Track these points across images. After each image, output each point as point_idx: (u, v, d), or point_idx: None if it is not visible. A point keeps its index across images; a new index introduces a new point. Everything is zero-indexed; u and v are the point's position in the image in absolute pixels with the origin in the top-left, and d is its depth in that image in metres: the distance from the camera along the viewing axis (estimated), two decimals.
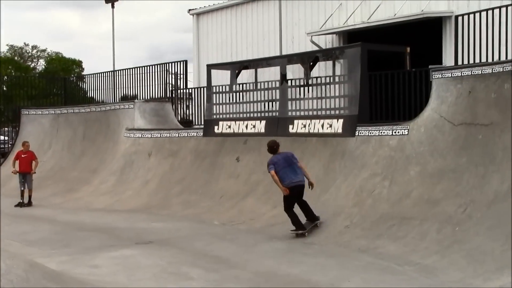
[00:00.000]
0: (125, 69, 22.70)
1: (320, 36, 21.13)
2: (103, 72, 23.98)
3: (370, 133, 11.88)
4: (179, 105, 21.04)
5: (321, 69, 17.74)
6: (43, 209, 15.32)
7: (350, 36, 20.73)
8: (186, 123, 19.68)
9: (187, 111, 21.25)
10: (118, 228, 12.08)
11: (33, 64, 71.80)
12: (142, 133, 17.57)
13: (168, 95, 20.82)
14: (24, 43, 72.07)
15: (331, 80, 14.44)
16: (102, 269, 8.32)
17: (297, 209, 10.62)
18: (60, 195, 16.99)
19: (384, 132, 11.57)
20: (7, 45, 71.99)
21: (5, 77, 38.65)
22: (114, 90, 23.09)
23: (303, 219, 10.66)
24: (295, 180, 10.53)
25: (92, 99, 24.73)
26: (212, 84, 16.79)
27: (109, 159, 17.80)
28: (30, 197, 16.04)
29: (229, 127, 15.67)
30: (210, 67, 17.57)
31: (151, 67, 21.18)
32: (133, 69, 22.11)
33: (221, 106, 16.42)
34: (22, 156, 16.36)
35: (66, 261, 8.81)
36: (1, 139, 25.32)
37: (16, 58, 70.19)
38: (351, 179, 11.51)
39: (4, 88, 33.71)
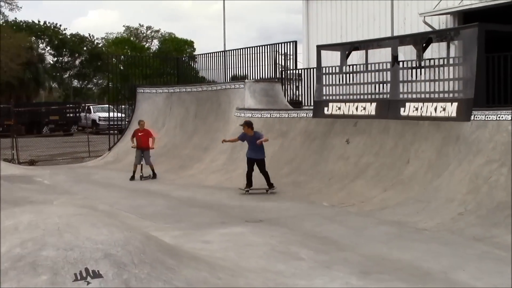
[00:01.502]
0: (235, 50, 23.00)
1: (434, 16, 20.39)
2: (214, 52, 24.41)
3: (487, 117, 11.36)
4: (288, 86, 21.09)
5: (434, 50, 17.14)
6: (157, 184, 15.94)
7: (466, 17, 19.88)
8: (296, 104, 19.72)
9: (296, 92, 21.27)
10: (228, 206, 12.35)
11: (147, 44, 74.38)
12: (252, 113, 17.78)
13: (277, 76, 20.91)
14: (139, 24, 74.76)
15: (445, 62, 13.89)
16: (213, 245, 8.50)
17: None
18: (173, 171, 17.59)
19: (502, 117, 11.03)
20: (123, 26, 74.90)
21: (122, 56, 40.31)
22: (224, 70, 23.47)
23: None
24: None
25: (203, 79, 25.28)
26: (322, 65, 16.69)
27: (220, 138, 18.16)
28: (153, 171, 16.90)
29: (339, 108, 15.54)
30: (320, 48, 17.44)
31: (261, 47, 21.31)
32: (243, 49, 22.35)
33: (331, 87, 16.30)
34: (139, 134, 17.18)
35: (179, 235, 9.07)
36: (118, 116, 26.46)
37: (131, 38, 72.93)
38: (465, 165, 11.10)
39: (121, 67, 35.14)
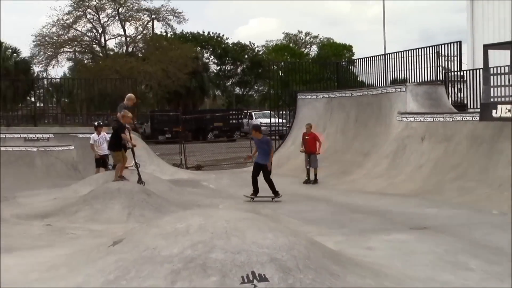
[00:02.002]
0: (395, 52, 22.49)
1: None
2: (373, 56, 24.05)
3: None
4: (451, 88, 20.21)
5: None
6: (319, 189, 16.01)
7: None
8: (459, 107, 18.85)
9: (460, 94, 20.33)
10: (391, 212, 12.07)
11: (306, 50, 74.99)
12: (414, 117, 17.27)
13: (440, 78, 20.12)
14: (298, 31, 75.63)
15: None
16: (376, 252, 8.32)
17: None
18: (334, 176, 17.56)
19: None
20: (283, 33, 76.22)
21: (282, 63, 41.00)
22: (385, 73, 23.03)
23: None
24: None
25: (363, 83, 25.00)
26: (490, 66, 15.79)
27: (381, 143, 17.86)
28: (315, 175, 17.02)
29: (509, 111, 14.60)
30: (487, 47, 16.51)
31: (423, 49, 20.63)
32: (404, 52, 21.78)
33: (499, 88, 15.35)
34: (306, 137, 17.38)
35: (342, 241, 9.00)
36: (279, 121, 26.93)
37: (291, 45, 73.96)
38: None
39: (281, 74, 35.77)
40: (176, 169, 21.27)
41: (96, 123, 17.73)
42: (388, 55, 23.17)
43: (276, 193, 14.07)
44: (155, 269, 5.34)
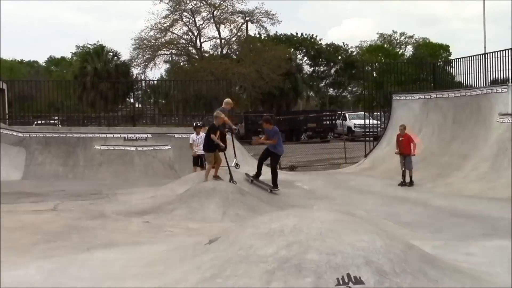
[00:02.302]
0: (496, 52, 21.59)
1: None
2: (472, 56, 23.22)
3: None
4: None
5: None
6: (414, 192, 15.61)
7: None
8: None
9: None
10: (491, 217, 11.59)
11: (401, 51, 73.57)
12: None
13: None
14: (393, 31, 74.37)
15: None
16: (477, 258, 8.00)
17: None
18: (430, 179, 17.06)
19: None
20: (377, 33, 75.14)
21: (376, 64, 40.41)
22: (484, 73, 22.17)
23: None
24: None
25: (460, 84, 24.20)
26: None
27: (481, 145, 17.20)
28: (411, 177, 16.65)
29: None
30: None
31: None
32: (506, 51, 20.86)
33: None
34: (400, 139, 17.03)
35: (440, 245, 8.72)
36: (373, 123, 26.54)
37: (385, 45, 72.82)
38: None
39: (375, 75, 35.24)
40: (268, 169, 21.37)
41: (195, 124, 18.16)
42: (489, 54, 22.30)
43: (275, 185, 14.73)
44: (250, 268, 5.38)
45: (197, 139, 17.12)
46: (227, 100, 16.63)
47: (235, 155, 16.51)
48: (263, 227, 6.17)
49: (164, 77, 59.20)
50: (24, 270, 6.69)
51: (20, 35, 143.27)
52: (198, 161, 17.15)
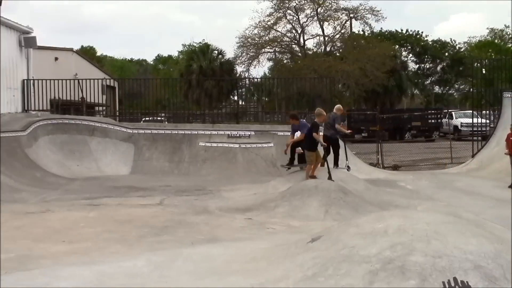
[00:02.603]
0: None
1: None
2: None
3: None
4: None
5: None
6: None
7: None
8: None
9: None
10: None
11: None
12: None
13: None
14: (505, 25, 71.11)
15: None
16: None
17: None
18: None
19: None
20: (487, 28, 72.23)
21: (486, 60, 38.83)
22: None
23: None
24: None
25: None
26: None
27: None
28: None
29: None
30: None
31: None
32: None
33: None
34: (511, 138, 16.33)
35: None
36: (481, 122, 25.54)
37: (496, 40, 69.84)
38: None
39: (484, 71, 33.86)
40: (372, 169, 21.09)
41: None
42: None
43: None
44: (353, 268, 5.32)
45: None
46: (338, 106, 16.92)
47: (346, 157, 16.72)
48: (366, 226, 6.09)
49: (268, 74, 59.72)
50: (133, 261, 6.95)
51: (130, 35, 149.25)
52: (301, 158, 17.20)
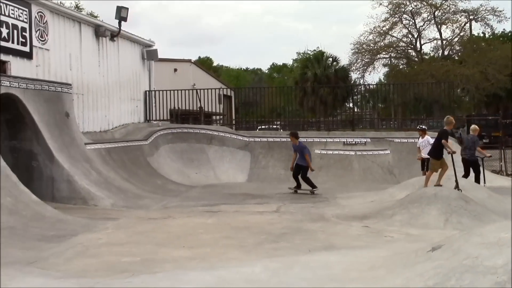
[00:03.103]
0: None
1: None
2: None
3: None
4: None
5: None
6: None
7: None
8: None
9: None
10: None
11: None
12: None
13: None
14: None
15: None
16: None
17: None
18: None
19: None
20: None
21: None
22: None
23: None
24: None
25: None
26: None
27: None
28: None
29: None
30: None
31: None
32: None
33: None
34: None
35: None
36: None
37: None
38: None
39: None
40: (495, 176, 20.16)
41: (419, 127, 17.98)
42: None
43: (313, 187, 16.96)
44: (477, 279, 5.10)
45: (421, 142, 16.90)
46: (474, 127, 17.32)
47: (484, 180, 16.60)
48: (491, 236, 5.82)
49: (383, 80, 58.76)
50: (251, 268, 7.05)
51: (245, 45, 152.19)
52: (423, 165, 16.85)
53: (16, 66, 15.94)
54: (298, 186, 17.14)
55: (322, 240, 9.44)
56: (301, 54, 70.40)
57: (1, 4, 15.40)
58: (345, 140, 21.78)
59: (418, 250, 6.65)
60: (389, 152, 20.97)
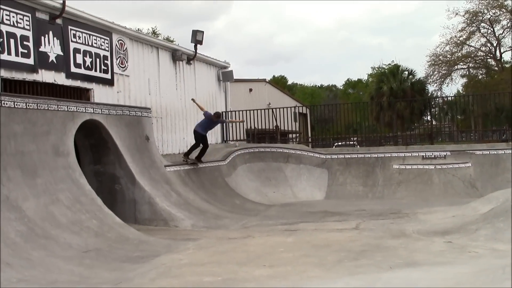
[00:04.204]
0: None
1: None
2: None
3: None
4: None
5: None
6: None
7: None
8: None
9: None
10: None
11: None
12: None
13: None
14: None
15: None
16: None
17: None
18: None
19: None
20: None
21: None
22: None
23: None
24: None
25: None
26: None
27: None
28: None
29: None
30: None
31: None
32: None
33: None
34: None
35: None
36: None
37: None
38: None
39: None
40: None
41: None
42: None
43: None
44: None
45: None
46: None
47: None
48: None
49: (461, 92, 57.35)
50: (332, 285, 7.02)
51: (319, 62, 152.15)
52: None
53: (99, 93, 16.62)
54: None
55: (404, 256, 9.27)
56: (376, 69, 69.79)
57: (86, 35, 16.12)
58: (424, 154, 21.34)
59: (505, 266, 6.44)
60: (470, 165, 20.40)
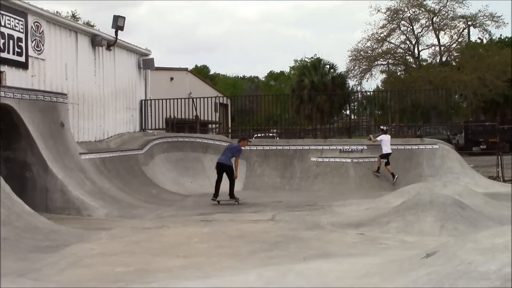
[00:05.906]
0: None
1: None
2: None
3: None
4: None
5: None
6: None
7: None
8: None
9: None
10: None
11: None
12: None
13: None
14: None
15: None
16: None
17: None
18: None
19: None
20: None
21: None
22: None
23: None
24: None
25: None
26: None
27: None
28: None
29: None
30: None
31: None
32: None
33: None
34: None
35: None
36: None
37: None
38: None
39: None
40: (492, 182, 20.12)
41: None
42: None
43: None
44: (470, 284, 5.04)
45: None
46: None
47: None
48: (485, 242, 5.77)
49: (380, 87, 58.86)
50: (245, 276, 6.99)
51: (242, 53, 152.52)
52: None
53: (12, 76, 15.91)
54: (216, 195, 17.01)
55: (317, 248, 9.37)
56: (299, 62, 70.51)
57: None
58: (342, 148, 21.71)
59: (412, 257, 6.59)
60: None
